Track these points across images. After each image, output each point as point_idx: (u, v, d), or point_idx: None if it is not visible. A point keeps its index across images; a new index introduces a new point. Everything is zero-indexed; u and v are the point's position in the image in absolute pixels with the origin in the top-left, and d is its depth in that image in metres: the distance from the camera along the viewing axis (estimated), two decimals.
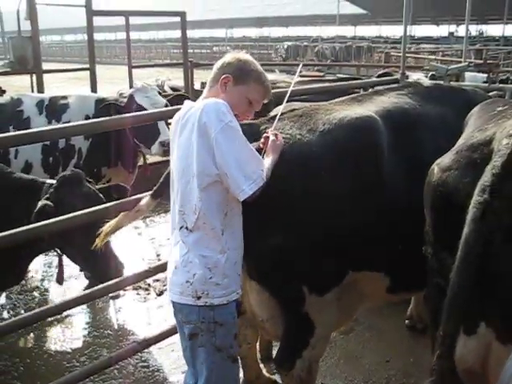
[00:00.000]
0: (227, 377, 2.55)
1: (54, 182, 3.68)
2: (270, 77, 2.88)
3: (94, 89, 7.72)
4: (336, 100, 3.17)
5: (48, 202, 3.38)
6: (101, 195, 3.70)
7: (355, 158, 2.69)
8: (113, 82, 12.98)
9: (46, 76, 7.94)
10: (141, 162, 5.52)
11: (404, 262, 2.75)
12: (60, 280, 3.78)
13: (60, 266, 3.74)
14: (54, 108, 5.32)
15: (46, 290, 5.22)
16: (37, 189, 3.64)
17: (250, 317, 2.98)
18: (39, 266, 5.60)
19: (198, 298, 2.44)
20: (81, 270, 5.09)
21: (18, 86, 11.29)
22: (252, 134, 2.67)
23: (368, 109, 2.92)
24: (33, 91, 8.05)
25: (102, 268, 3.62)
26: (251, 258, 2.62)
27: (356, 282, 2.82)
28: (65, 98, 5.45)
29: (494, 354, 2.17)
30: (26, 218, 3.16)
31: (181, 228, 2.50)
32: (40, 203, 3.37)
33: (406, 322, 4.34)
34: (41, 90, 7.74)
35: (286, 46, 34.18)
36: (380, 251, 2.75)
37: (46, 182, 3.70)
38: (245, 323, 3.19)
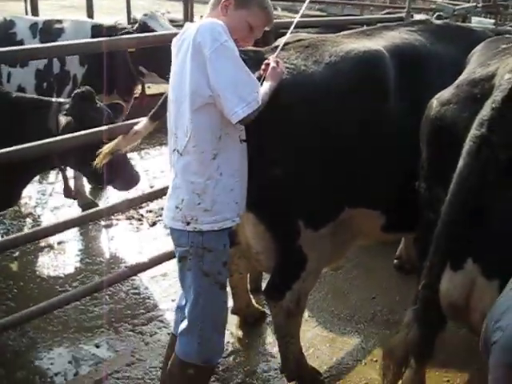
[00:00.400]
0: (214, 301, 2.58)
1: (62, 100, 3.69)
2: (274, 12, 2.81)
3: (90, 18, 7.54)
4: (344, 33, 3.11)
5: (71, 118, 3.40)
6: (110, 111, 3.75)
7: (360, 92, 2.64)
8: (110, 13, 12.61)
9: (40, 3, 7.70)
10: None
11: (401, 201, 2.75)
12: (68, 194, 3.84)
13: (65, 180, 3.78)
14: (49, 31, 5.19)
15: (40, 217, 5.25)
16: (45, 107, 3.63)
17: (244, 248, 3.03)
18: (33, 194, 5.62)
19: (188, 223, 2.45)
20: (74, 198, 5.11)
21: (13, 11, 10.98)
22: (257, 60, 2.63)
23: (377, 43, 2.86)
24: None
25: (118, 177, 3.69)
26: (249, 189, 2.63)
27: (351, 219, 2.85)
28: (60, 21, 5.31)
29: (478, 289, 2.22)
30: (36, 137, 3.10)
31: (173, 151, 2.49)
32: (63, 119, 3.39)
33: (395, 261, 4.42)
34: (35, 15, 7.55)
35: None
36: (379, 188, 2.77)
37: (53, 101, 3.69)
38: (238, 253, 3.24)
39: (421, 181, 2.43)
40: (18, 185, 3.82)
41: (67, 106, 3.58)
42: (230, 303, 3.64)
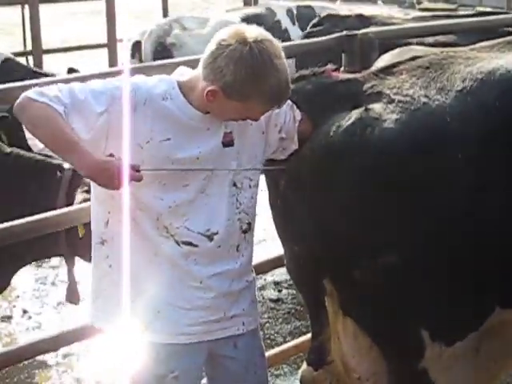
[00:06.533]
0: None
1: None
2: (371, 9, 2.83)
3: None
4: (481, 44, 3.09)
5: None
6: None
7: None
8: None
9: None
10: None
11: None
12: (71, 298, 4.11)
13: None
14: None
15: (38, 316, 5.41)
16: None
17: (339, 370, 2.99)
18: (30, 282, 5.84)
19: None
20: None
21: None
22: (351, 95, 2.73)
23: None
24: None
25: None
26: (345, 284, 2.64)
27: (505, 325, 2.78)
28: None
29: None
30: None
31: None
32: None
33: None
34: None
35: None
36: None
37: None
38: (329, 378, 3.17)
39: None
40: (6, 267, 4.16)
41: None
42: None
